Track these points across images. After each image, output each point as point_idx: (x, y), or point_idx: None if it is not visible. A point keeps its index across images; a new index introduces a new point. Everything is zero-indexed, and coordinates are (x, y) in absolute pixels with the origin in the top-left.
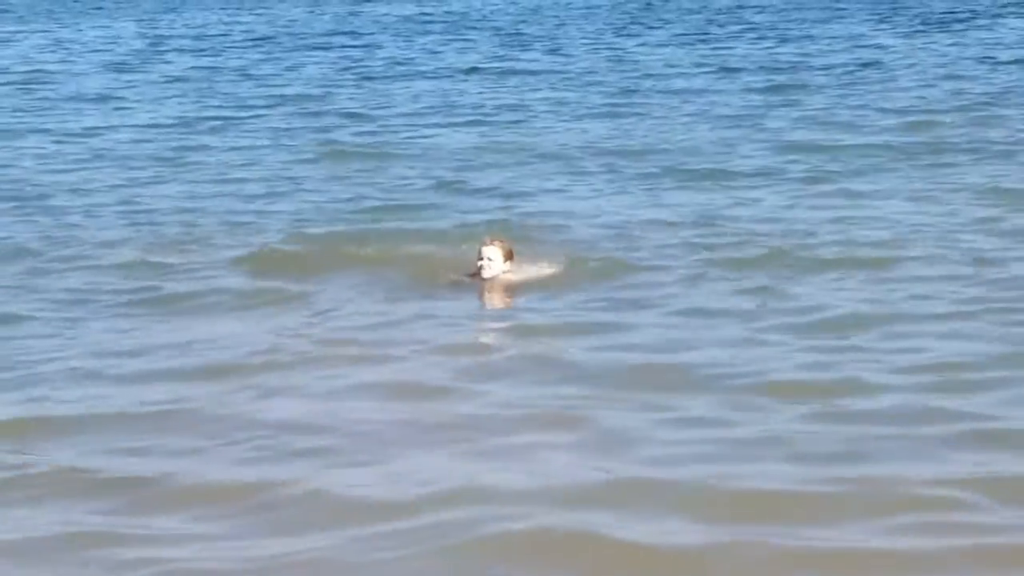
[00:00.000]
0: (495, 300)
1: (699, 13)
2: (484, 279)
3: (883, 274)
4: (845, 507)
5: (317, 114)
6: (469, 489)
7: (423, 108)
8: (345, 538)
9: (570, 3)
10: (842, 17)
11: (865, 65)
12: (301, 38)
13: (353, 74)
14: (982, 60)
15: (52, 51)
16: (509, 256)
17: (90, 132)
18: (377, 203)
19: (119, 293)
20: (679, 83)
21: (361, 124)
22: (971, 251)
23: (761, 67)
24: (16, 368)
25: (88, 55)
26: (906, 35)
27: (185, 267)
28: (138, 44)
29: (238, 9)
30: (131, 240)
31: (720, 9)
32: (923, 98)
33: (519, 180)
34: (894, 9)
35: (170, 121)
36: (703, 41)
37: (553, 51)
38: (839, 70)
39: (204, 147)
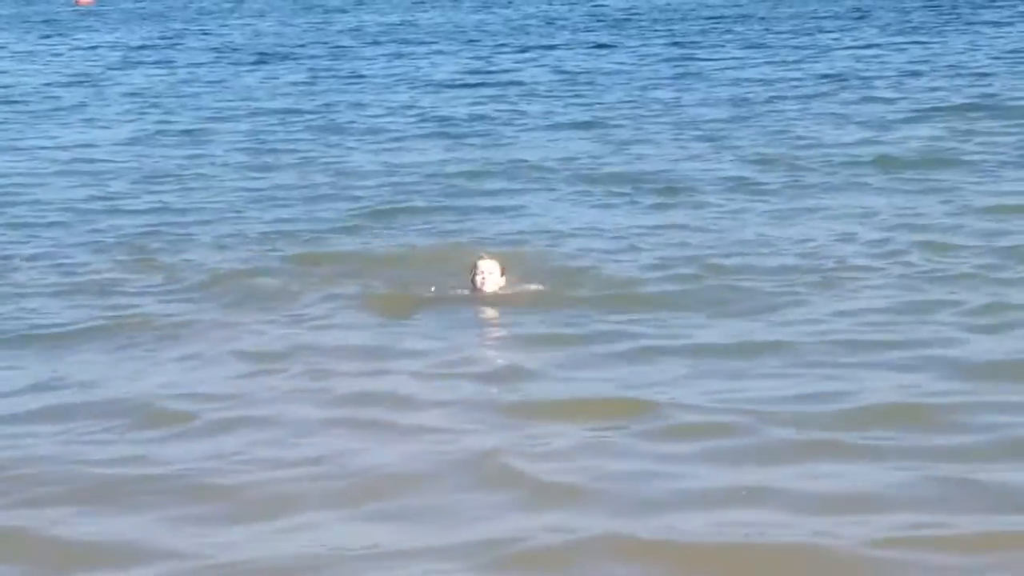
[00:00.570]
0: (491, 313)
1: (678, 24)
2: (484, 292)
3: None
4: None
5: (288, 126)
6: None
7: (395, 121)
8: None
9: (546, 15)
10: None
11: (834, 76)
12: (273, 48)
13: (325, 86)
14: (955, 69)
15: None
16: (502, 271)
17: (58, 146)
18: (353, 218)
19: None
20: (655, 95)
21: (335, 137)
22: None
23: (733, 80)
24: None
25: (56, 67)
26: (879, 44)
27: (150, 289)
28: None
29: (209, 21)
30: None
31: (696, 20)
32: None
33: (492, 196)
34: (863, 18)
35: (134, 135)
36: (677, 52)
37: (528, 63)
38: (809, 82)
39: (169, 159)
